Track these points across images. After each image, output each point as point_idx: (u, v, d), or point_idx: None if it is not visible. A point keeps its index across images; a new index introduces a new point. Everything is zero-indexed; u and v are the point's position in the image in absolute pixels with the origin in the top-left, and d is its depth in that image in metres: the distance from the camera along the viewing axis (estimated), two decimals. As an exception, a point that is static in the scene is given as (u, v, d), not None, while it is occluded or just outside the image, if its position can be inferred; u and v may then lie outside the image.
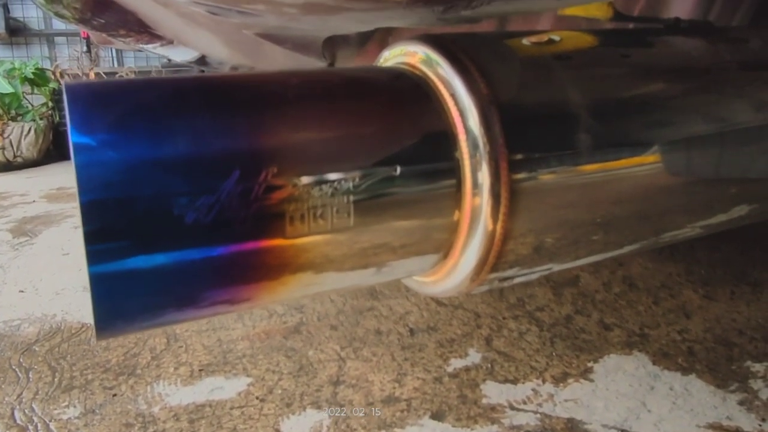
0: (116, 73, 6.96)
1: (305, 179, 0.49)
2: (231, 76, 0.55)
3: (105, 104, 0.47)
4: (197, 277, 0.49)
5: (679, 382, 1.48)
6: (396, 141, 0.56)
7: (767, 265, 2.18)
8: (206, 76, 0.55)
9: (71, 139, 0.44)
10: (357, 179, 0.52)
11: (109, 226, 0.44)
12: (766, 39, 0.91)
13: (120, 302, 0.47)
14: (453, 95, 0.58)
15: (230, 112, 0.49)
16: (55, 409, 1.48)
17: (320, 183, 0.50)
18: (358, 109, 0.56)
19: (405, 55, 0.65)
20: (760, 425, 1.31)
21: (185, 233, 0.46)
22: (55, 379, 1.62)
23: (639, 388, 1.47)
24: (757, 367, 1.53)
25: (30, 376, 1.65)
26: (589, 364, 1.58)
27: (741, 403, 1.39)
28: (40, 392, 1.56)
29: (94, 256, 0.44)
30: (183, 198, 0.45)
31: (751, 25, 1.17)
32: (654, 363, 1.57)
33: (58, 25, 7.20)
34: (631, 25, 0.89)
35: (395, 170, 0.54)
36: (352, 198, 0.52)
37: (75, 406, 1.49)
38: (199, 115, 0.48)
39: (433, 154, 0.57)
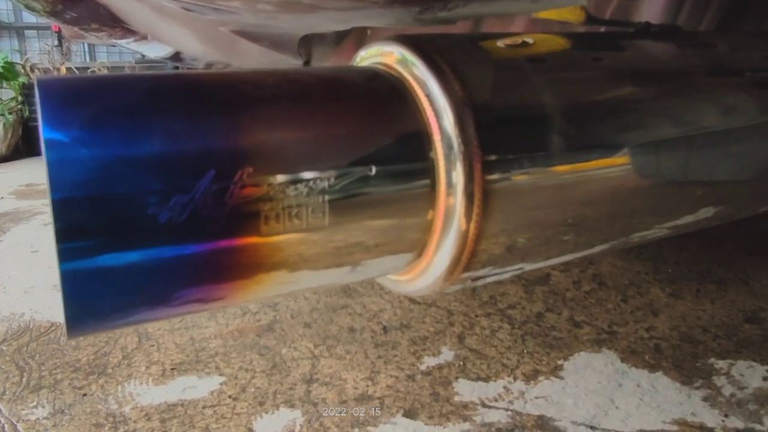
0: (88, 68, 6.83)
1: (280, 179, 0.50)
2: (207, 75, 0.55)
3: (78, 100, 0.47)
4: (171, 276, 0.49)
5: (646, 379, 1.52)
6: (371, 141, 0.56)
7: (732, 264, 2.24)
8: (182, 74, 0.55)
9: (43, 135, 0.44)
10: (332, 179, 0.52)
11: (81, 224, 0.44)
12: (732, 44, 0.94)
13: (92, 301, 0.46)
14: (428, 96, 0.59)
15: (206, 111, 0.49)
16: (23, 409, 1.45)
17: (295, 182, 0.50)
18: (333, 109, 0.57)
19: (381, 55, 0.65)
20: (722, 421, 1.35)
21: (159, 232, 0.45)
22: (23, 379, 1.59)
23: (607, 385, 1.50)
24: (721, 364, 1.58)
25: (-4, 375, 1.61)
26: (560, 362, 1.60)
27: (705, 399, 1.43)
28: (7, 392, 1.53)
29: (65, 254, 0.43)
30: (157, 197, 0.45)
31: (718, 30, 1.20)
32: (622, 360, 1.61)
33: (29, 18, 7.04)
34: (602, 29, 0.91)
35: (370, 170, 0.54)
36: (327, 197, 0.52)
37: (44, 407, 1.46)
38: (174, 113, 0.48)
39: (408, 154, 0.58)
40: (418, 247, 0.61)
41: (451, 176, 0.57)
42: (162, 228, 0.45)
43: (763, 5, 1.27)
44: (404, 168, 0.58)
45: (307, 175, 0.51)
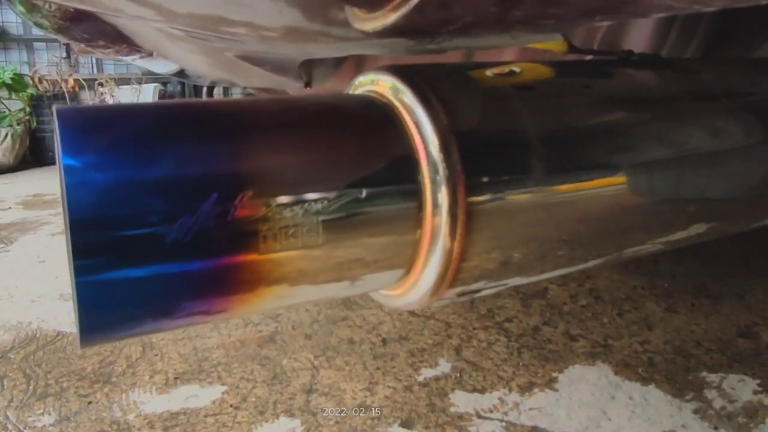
0: (95, 79, 6.93)
1: (278, 201, 0.54)
2: (210, 104, 0.60)
3: (93, 129, 0.51)
4: (176, 290, 0.53)
5: (638, 391, 1.55)
6: (363, 165, 0.61)
7: (727, 279, 2.27)
8: (187, 103, 0.59)
9: (61, 161, 0.48)
10: (326, 201, 0.56)
11: (95, 242, 0.48)
12: (713, 70, 0.98)
13: (103, 313, 0.51)
14: (416, 123, 0.63)
15: (209, 138, 0.54)
16: (30, 416, 1.50)
17: (291, 205, 0.55)
18: (328, 136, 0.61)
19: (374, 83, 0.70)
20: (712, 433, 1.38)
21: (166, 251, 0.50)
22: (30, 387, 1.63)
23: (600, 397, 1.53)
24: (712, 378, 1.61)
25: (4, 383, 1.65)
26: (554, 374, 1.64)
27: (696, 411, 1.46)
28: (14, 400, 1.57)
29: (80, 269, 0.47)
30: (164, 218, 0.49)
31: (703, 57, 1.24)
32: (616, 373, 1.64)
33: (38, 30, 7.14)
34: (588, 57, 0.95)
35: (362, 193, 0.58)
36: (321, 218, 0.56)
37: (50, 414, 1.50)
38: (179, 141, 0.52)
39: (397, 178, 0.62)
40: (407, 264, 0.65)
41: (437, 198, 0.61)
42: (169, 247, 0.50)
43: (747, 33, 1.31)
44: (394, 190, 0.62)
45: (303, 197, 0.55)
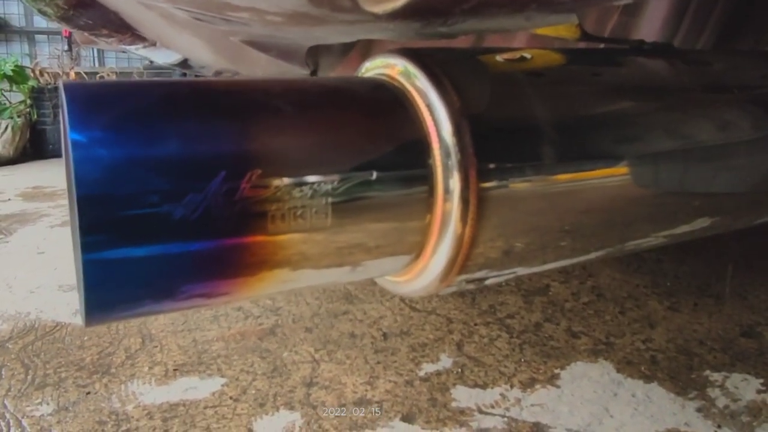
0: (97, 73, 6.91)
1: (287, 181, 0.53)
2: (220, 83, 0.59)
3: (101, 104, 0.50)
4: (181, 270, 0.52)
5: (641, 389, 1.54)
6: (373, 147, 0.60)
7: (730, 278, 2.26)
8: (196, 81, 0.58)
9: (69, 136, 0.47)
10: (335, 182, 0.55)
11: (102, 218, 0.47)
12: (724, 61, 0.97)
13: (108, 291, 0.49)
14: (428, 106, 0.62)
15: (219, 116, 0.53)
16: (28, 406, 1.48)
17: (301, 185, 0.54)
18: (338, 117, 0.60)
19: (385, 66, 0.69)
20: (715, 431, 1.37)
21: (173, 228, 0.49)
22: (29, 377, 1.62)
23: (603, 394, 1.52)
24: (715, 376, 1.60)
25: (3, 373, 1.64)
26: (556, 371, 1.63)
27: (699, 410, 1.45)
28: (12, 389, 1.56)
29: (87, 246, 0.46)
30: (172, 195, 0.48)
31: (714, 48, 1.23)
32: (618, 371, 1.63)
33: (40, 22, 7.13)
34: (600, 45, 0.94)
35: (372, 175, 0.57)
36: (330, 200, 0.55)
37: (48, 403, 1.49)
38: (189, 117, 0.51)
39: (408, 161, 0.61)
40: (416, 250, 0.64)
41: (448, 182, 0.60)
42: (176, 224, 0.48)
43: (759, 25, 1.30)
44: (404, 174, 0.61)
45: (312, 178, 0.54)
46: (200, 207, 0.49)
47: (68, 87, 0.50)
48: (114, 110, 0.49)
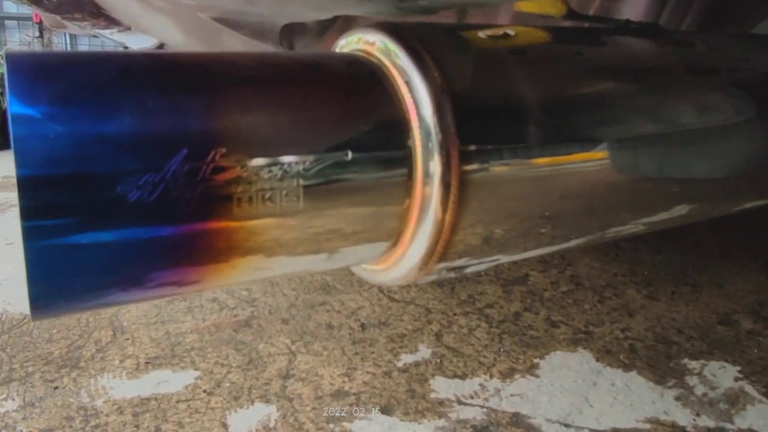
0: (67, 58, 6.73)
1: (254, 161, 0.49)
2: (183, 54, 0.54)
3: (48, 75, 0.46)
4: (141, 256, 0.48)
5: (620, 378, 1.53)
6: (348, 127, 0.56)
7: (707, 267, 2.27)
8: (157, 53, 0.54)
9: (10, 109, 0.43)
10: (307, 163, 0.52)
11: (47, 201, 0.43)
12: (711, 43, 0.95)
13: (58, 280, 0.45)
14: (407, 83, 0.59)
15: (180, 90, 0.48)
16: (-9, 401, 1.43)
17: (269, 166, 0.50)
18: (310, 93, 0.56)
19: (362, 42, 0.65)
20: (694, 420, 1.37)
21: (127, 211, 0.44)
22: (-8, 371, 1.56)
23: (582, 383, 1.51)
24: (694, 365, 1.60)
25: (-36, 367, 1.58)
26: (536, 360, 1.61)
27: (678, 398, 1.45)
28: (-26, 384, 1.50)
29: (30, 233, 0.42)
30: (126, 175, 0.44)
31: (699, 30, 1.22)
32: (597, 360, 1.62)
33: (9, 8, 6.94)
34: (585, 24, 0.91)
35: (346, 155, 0.54)
36: (301, 182, 0.52)
37: (13, 399, 1.44)
38: (147, 91, 0.47)
39: (385, 142, 0.58)
40: (393, 236, 0.61)
41: (429, 165, 0.57)
42: (131, 207, 0.44)
43: (742, 8, 1.29)
44: (381, 155, 0.57)
45: (282, 158, 0.50)
46: (158, 188, 0.45)
47: (12, 57, 0.45)
48: (62, 82, 0.45)
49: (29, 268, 0.43)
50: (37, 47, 6.68)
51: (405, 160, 0.58)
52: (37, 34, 6.80)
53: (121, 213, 0.44)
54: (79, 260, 0.45)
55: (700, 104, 0.83)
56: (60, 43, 7.49)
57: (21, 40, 6.84)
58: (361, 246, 0.59)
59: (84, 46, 7.52)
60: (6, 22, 7.24)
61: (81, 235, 0.44)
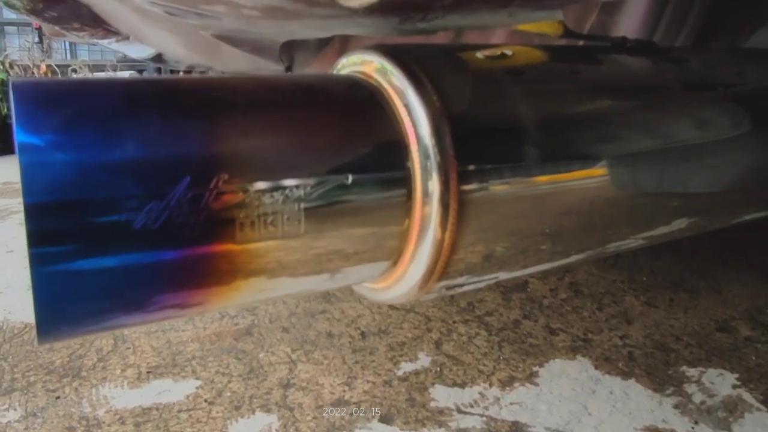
0: (69, 65, 6.75)
1: (256, 186, 0.50)
2: (184, 81, 0.55)
3: (53, 104, 0.46)
4: (145, 281, 0.48)
5: (619, 386, 1.54)
6: (348, 149, 0.57)
7: (705, 273, 2.28)
8: (159, 79, 0.55)
9: (17, 138, 0.44)
10: (308, 187, 0.53)
11: (54, 228, 0.44)
12: (706, 60, 0.96)
13: (64, 306, 0.46)
14: (406, 105, 0.60)
15: (182, 117, 0.49)
16: (-7, 412, 1.43)
17: (271, 190, 0.51)
18: (310, 117, 0.57)
19: (361, 63, 0.66)
20: (692, 428, 1.38)
21: (133, 238, 0.45)
22: (-6, 381, 1.56)
23: (581, 391, 1.51)
24: (692, 372, 1.60)
25: (-34, 377, 1.58)
26: (535, 368, 1.62)
27: (676, 406, 1.45)
28: (-24, 394, 1.50)
29: (37, 259, 0.43)
30: (131, 203, 0.45)
31: (693, 46, 1.23)
32: (596, 367, 1.62)
33: (9, 14, 6.96)
34: (581, 43, 0.92)
35: (347, 179, 0.55)
36: (303, 205, 0.53)
37: (15, 409, 1.44)
38: (150, 119, 0.48)
39: (385, 163, 0.59)
40: (394, 256, 0.62)
41: (428, 185, 0.58)
42: (136, 234, 0.45)
43: (737, 23, 1.30)
44: (381, 177, 0.58)
45: (283, 182, 0.51)
46: (162, 215, 0.46)
47: (18, 86, 0.46)
48: (67, 111, 0.46)
49: (36, 294, 0.44)
50: (36, 52, 6.69)
51: (404, 181, 0.59)
52: (36, 39, 6.82)
53: (126, 240, 0.45)
54: (86, 286, 0.45)
55: (697, 119, 0.84)
56: (60, 48, 7.50)
57: (20, 46, 6.85)
58: (362, 266, 0.60)
59: (83, 51, 7.53)
60: (6, 27, 7.26)
61: (87, 261, 0.45)
